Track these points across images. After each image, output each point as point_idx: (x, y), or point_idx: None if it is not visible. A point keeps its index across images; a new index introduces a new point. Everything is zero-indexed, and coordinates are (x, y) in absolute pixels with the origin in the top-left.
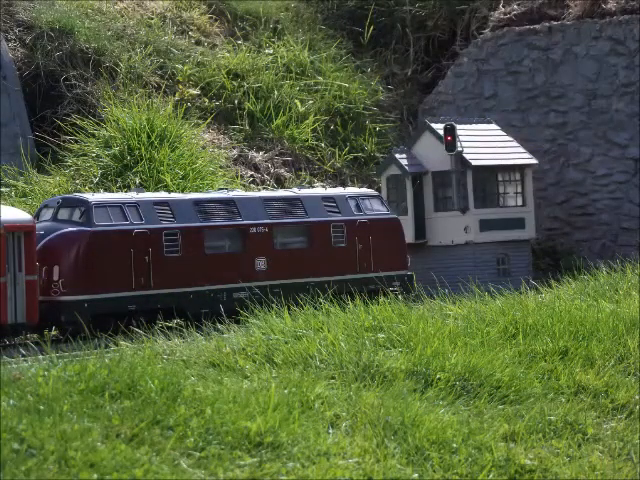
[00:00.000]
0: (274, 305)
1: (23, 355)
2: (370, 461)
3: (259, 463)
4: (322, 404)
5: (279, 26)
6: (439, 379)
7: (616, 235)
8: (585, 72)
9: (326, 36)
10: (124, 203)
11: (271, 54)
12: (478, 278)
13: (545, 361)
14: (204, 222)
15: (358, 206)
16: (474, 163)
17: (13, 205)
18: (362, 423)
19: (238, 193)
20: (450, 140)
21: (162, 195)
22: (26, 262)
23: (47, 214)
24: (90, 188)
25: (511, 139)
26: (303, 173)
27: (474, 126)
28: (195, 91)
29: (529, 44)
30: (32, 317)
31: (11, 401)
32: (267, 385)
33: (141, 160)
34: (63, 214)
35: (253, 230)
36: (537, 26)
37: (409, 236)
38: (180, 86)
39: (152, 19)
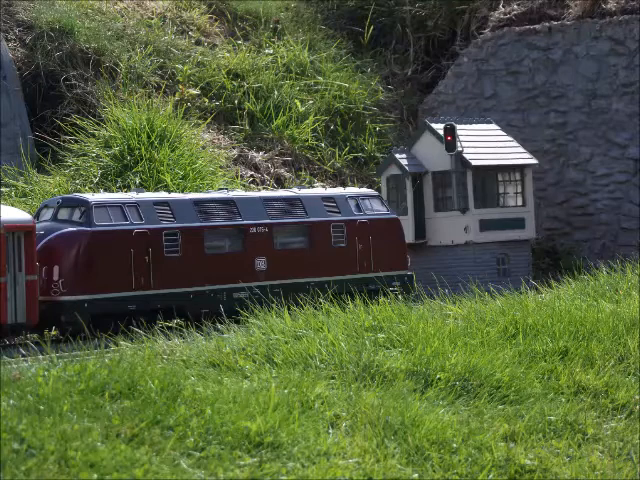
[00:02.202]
0: (274, 305)
1: (23, 355)
2: (370, 461)
3: (259, 463)
4: (322, 404)
5: (279, 26)
6: (439, 379)
7: (616, 235)
8: (585, 72)
9: (326, 36)
10: (124, 203)
11: (271, 54)
12: (478, 278)
13: (545, 361)
14: (204, 222)
15: (358, 206)
16: (474, 163)
17: (13, 205)
18: (362, 423)
19: (238, 193)
20: (450, 140)
21: (162, 195)
22: (26, 262)
23: (47, 214)
24: (90, 188)
25: (511, 139)
26: (303, 173)
27: (474, 126)
28: (195, 91)
29: (529, 44)
30: (32, 317)
31: (11, 401)
32: (267, 385)
33: (141, 160)
34: (63, 214)
35: (253, 230)
36: (537, 26)
37: (409, 236)
38: (180, 86)
39: (152, 19)
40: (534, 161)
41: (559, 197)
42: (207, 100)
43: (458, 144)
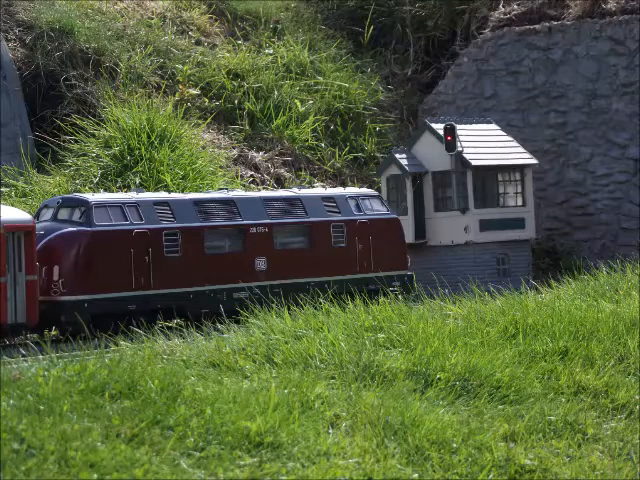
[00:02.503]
0: (274, 305)
1: (23, 355)
2: (370, 461)
3: (259, 463)
4: (322, 404)
5: (279, 26)
6: (439, 379)
7: (616, 235)
8: (585, 72)
9: (326, 36)
10: (124, 203)
11: (271, 54)
12: (478, 278)
13: (545, 361)
14: (204, 222)
15: (358, 206)
16: (474, 163)
17: (13, 205)
18: (362, 423)
19: (238, 193)
20: (450, 140)
21: (162, 195)
22: (26, 262)
23: (47, 214)
24: (90, 188)
25: (511, 139)
26: (303, 173)
27: (474, 126)
28: (195, 91)
29: (529, 44)
30: (32, 317)
31: (11, 401)
32: (267, 385)
33: (141, 160)
34: (63, 214)
35: (253, 230)
36: (537, 26)
37: (409, 236)
38: (180, 86)
39: (152, 19)
40: (534, 161)
41: (559, 197)
42: (207, 100)
43: (458, 144)
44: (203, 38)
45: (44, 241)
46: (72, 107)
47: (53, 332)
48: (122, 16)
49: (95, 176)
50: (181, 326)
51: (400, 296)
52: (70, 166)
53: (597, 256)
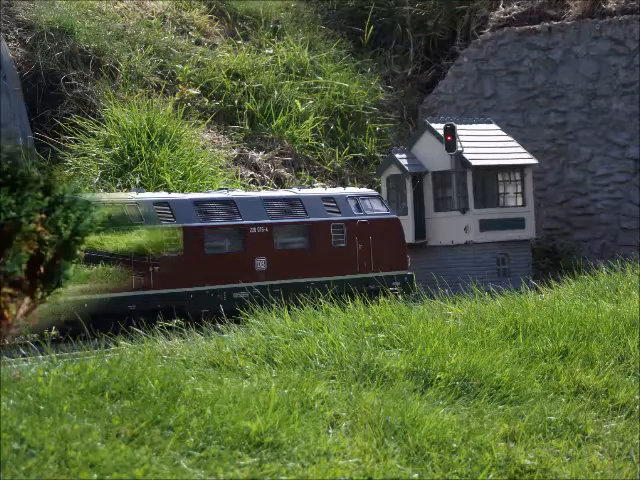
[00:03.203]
0: (274, 305)
1: (23, 355)
2: (370, 461)
3: (259, 463)
4: (322, 404)
5: (279, 26)
6: (439, 379)
7: (616, 235)
8: (585, 72)
9: (326, 36)
10: (124, 203)
11: (271, 54)
12: (478, 278)
13: (545, 361)
14: (204, 222)
15: (358, 206)
16: (474, 163)
17: None
18: (362, 423)
19: (238, 193)
20: (450, 140)
21: (162, 195)
22: None
23: None
24: (90, 188)
25: (511, 139)
26: (303, 173)
27: (474, 126)
28: (195, 91)
29: (529, 44)
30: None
31: (11, 401)
32: (267, 385)
33: (141, 160)
34: None
35: (253, 230)
36: (537, 26)
37: (409, 236)
38: (180, 86)
39: (152, 19)
40: (534, 161)
41: (559, 197)
42: (207, 100)
43: (458, 144)
44: (203, 38)
45: None
46: (72, 107)
47: (53, 332)
48: (122, 16)
49: (95, 176)
50: (181, 326)
51: (400, 296)
52: (70, 166)
53: (597, 256)
